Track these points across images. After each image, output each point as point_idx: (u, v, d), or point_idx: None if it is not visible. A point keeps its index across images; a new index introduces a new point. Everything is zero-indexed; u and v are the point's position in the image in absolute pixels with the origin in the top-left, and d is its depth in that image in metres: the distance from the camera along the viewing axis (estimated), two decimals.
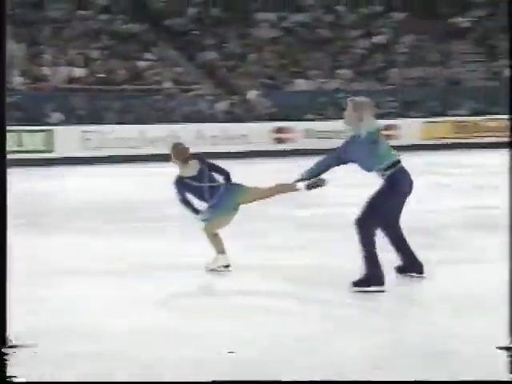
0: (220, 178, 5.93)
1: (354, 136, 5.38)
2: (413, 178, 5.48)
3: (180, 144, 6.17)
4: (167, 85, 21.82)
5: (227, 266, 5.86)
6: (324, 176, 5.53)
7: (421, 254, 6.31)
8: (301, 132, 20.99)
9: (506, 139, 21.06)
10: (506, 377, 3.28)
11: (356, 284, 5.21)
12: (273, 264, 6.34)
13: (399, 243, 5.50)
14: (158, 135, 19.37)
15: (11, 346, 3.56)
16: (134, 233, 8.24)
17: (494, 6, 26.16)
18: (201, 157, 6.00)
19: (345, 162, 5.42)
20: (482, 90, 23.43)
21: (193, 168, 5.86)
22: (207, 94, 22.17)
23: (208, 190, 5.80)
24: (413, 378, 3.50)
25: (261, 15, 25.08)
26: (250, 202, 5.94)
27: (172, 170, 6.16)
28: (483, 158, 17.83)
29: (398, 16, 26.16)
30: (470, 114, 22.65)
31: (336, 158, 5.43)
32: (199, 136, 20.19)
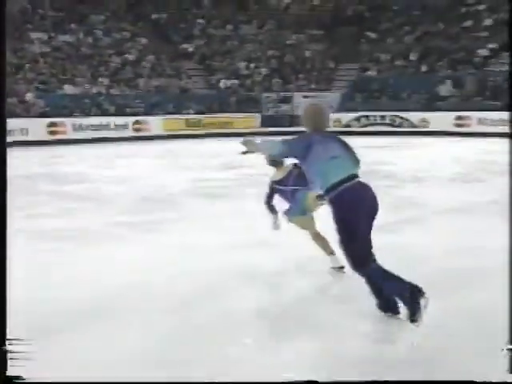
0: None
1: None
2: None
3: None
4: None
5: (341, 268, 4.52)
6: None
7: (158, 216, 6.80)
8: (69, 126, 21.09)
9: (226, 131, 22.11)
10: (506, 377, 2.71)
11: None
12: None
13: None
14: None
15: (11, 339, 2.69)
16: None
17: (211, 36, 28.01)
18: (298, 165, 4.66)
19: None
20: (203, 97, 25.02)
21: (282, 172, 4.80)
22: None
23: (291, 193, 4.71)
24: None
25: (33, 34, 24.27)
26: (315, 207, 4.70)
27: None
28: (208, 145, 18.88)
29: (142, 41, 27.00)
30: (196, 113, 23.55)
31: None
32: None
